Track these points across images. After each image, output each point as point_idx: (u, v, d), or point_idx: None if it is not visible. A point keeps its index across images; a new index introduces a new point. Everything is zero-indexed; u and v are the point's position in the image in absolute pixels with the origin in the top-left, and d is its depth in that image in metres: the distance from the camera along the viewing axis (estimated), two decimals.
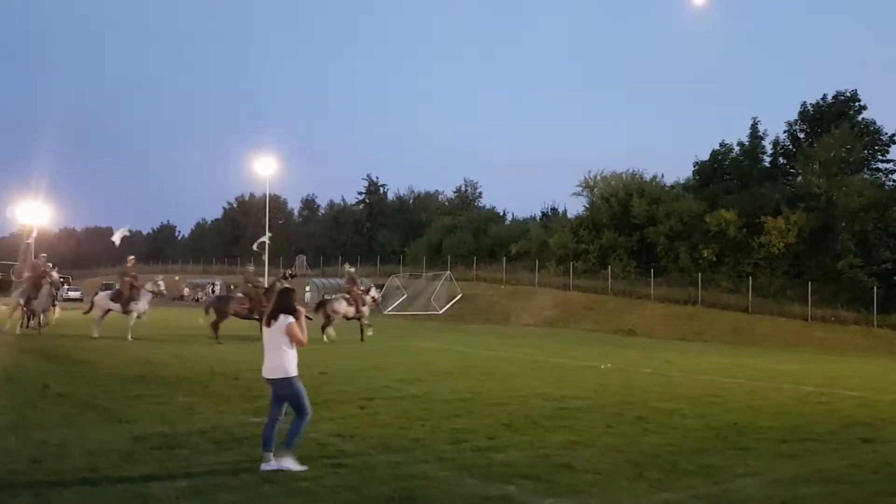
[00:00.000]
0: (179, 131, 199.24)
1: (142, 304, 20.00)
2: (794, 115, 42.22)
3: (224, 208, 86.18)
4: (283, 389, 6.19)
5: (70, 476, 5.70)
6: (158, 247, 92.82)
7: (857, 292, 32.01)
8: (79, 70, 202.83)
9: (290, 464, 5.98)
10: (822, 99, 41.09)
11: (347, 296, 21.69)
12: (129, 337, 18.74)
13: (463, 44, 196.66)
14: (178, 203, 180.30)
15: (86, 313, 21.19)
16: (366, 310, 21.91)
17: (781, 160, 42.74)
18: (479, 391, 11.07)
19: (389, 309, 41.98)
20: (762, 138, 42.97)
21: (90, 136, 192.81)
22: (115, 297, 20.12)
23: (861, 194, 34.12)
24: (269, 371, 6.22)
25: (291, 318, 6.21)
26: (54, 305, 22.28)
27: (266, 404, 9.11)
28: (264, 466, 5.98)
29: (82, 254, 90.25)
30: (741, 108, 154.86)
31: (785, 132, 42.47)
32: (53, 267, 22.13)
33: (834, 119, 39.47)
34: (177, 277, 68.54)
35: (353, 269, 24.83)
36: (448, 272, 46.58)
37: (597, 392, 11.45)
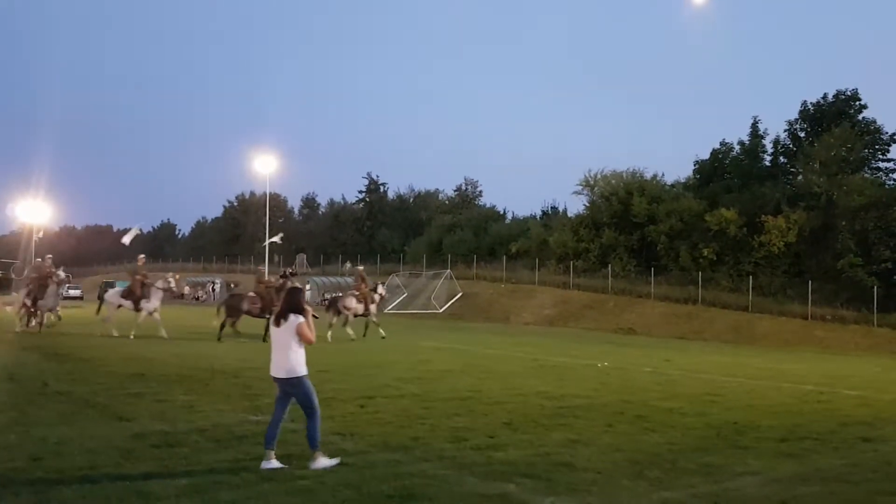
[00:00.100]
0: (180, 130, 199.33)
1: (153, 302, 19.95)
2: (794, 114, 42.31)
3: (224, 207, 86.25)
4: (293, 388, 6.22)
5: (70, 474, 5.70)
6: (158, 245, 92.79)
7: (857, 291, 32.01)
8: (79, 69, 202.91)
9: (324, 462, 6.03)
10: (823, 98, 41.10)
11: (357, 293, 22.04)
12: (163, 333, 19.03)
13: (463, 43, 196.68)
14: (179, 201, 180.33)
15: (98, 313, 20.91)
16: (374, 308, 22.37)
17: (782, 159, 42.75)
18: (479, 390, 11.07)
19: (389, 307, 41.98)
20: (763, 137, 43.00)
21: (90, 134, 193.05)
22: (127, 295, 20.05)
23: (861, 193, 34.12)
24: (279, 370, 6.23)
25: (302, 318, 6.24)
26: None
27: (266, 402, 9.14)
28: (265, 465, 5.98)
29: (82, 252, 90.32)
30: (741, 107, 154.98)
31: (785, 131, 42.51)
32: (59, 267, 22.11)
33: (834, 118, 39.46)
34: (177, 276, 68.47)
35: (361, 268, 25.32)
36: (448, 271, 46.60)
37: (597, 391, 11.45)
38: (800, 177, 40.22)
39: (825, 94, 41.07)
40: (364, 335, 21.18)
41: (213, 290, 64.24)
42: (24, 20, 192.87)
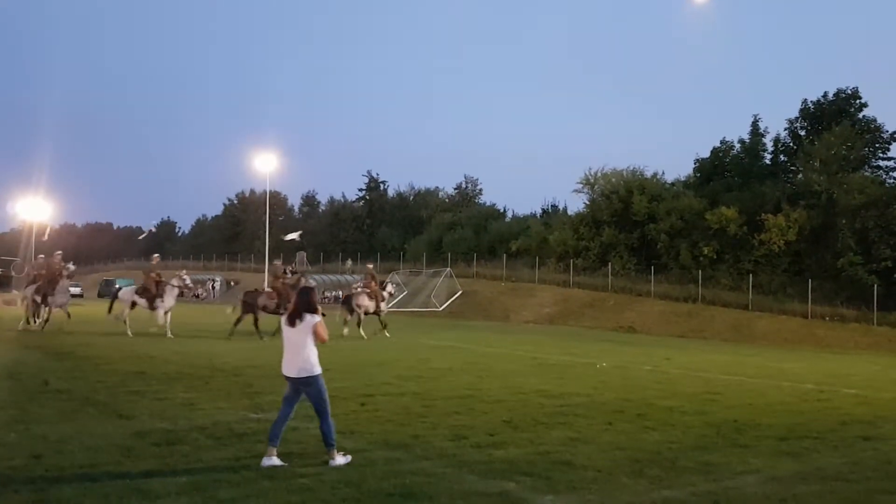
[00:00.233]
0: (180, 128, 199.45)
1: (168, 301, 19.86)
2: (794, 113, 42.29)
3: (224, 204, 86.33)
4: (308, 387, 6.25)
5: (70, 471, 5.71)
6: (159, 242, 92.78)
7: (857, 290, 32.01)
8: (80, 67, 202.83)
9: (339, 459, 6.07)
10: (823, 96, 41.08)
11: (368, 290, 22.24)
12: (169, 333, 18.93)
13: (463, 42, 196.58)
14: (179, 199, 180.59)
15: (110, 311, 20.58)
16: (384, 305, 22.76)
17: (782, 157, 42.75)
18: (479, 388, 11.07)
19: (390, 306, 41.94)
20: (763, 136, 43.00)
21: (91, 132, 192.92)
22: (142, 293, 19.88)
23: (862, 192, 34.11)
24: (294, 370, 6.25)
25: (318, 318, 6.27)
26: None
27: (266, 400, 9.17)
28: (265, 461, 5.99)
29: (82, 249, 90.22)
30: (742, 105, 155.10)
31: (786, 129, 42.50)
32: (68, 262, 22.02)
33: (835, 116, 39.45)
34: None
35: (371, 266, 25.59)
36: (448, 269, 46.60)
37: (596, 389, 11.45)
38: (800, 175, 40.23)
39: (825, 92, 41.13)
40: (383, 329, 21.76)
41: (213, 287, 64.25)
42: (24, 17, 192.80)
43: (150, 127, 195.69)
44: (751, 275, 34.79)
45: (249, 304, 19.97)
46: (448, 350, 18.31)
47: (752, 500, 5.57)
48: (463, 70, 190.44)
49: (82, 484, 5.38)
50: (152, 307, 19.75)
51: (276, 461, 5.99)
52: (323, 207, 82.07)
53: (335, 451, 6.15)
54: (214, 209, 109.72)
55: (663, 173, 47.24)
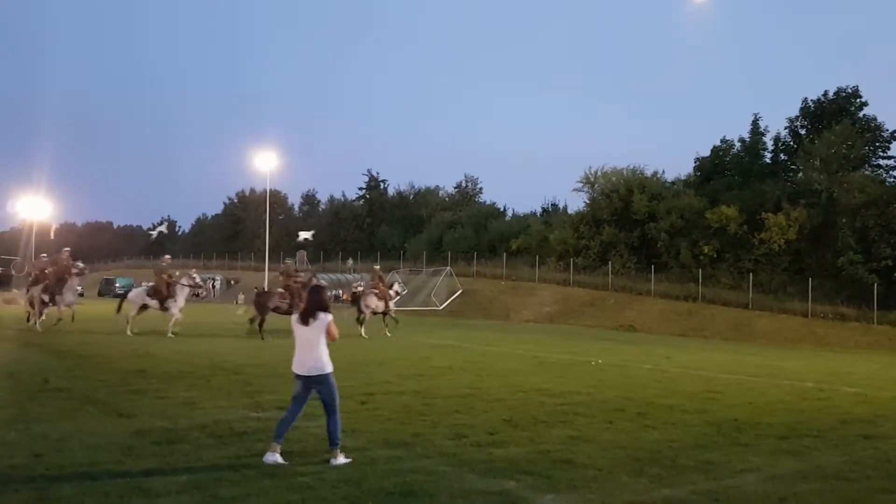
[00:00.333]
0: (180, 126, 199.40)
1: (180, 301, 19.78)
2: (795, 112, 42.34)
3: (224, 203, 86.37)
4: (319, 385, 6.30)
5: (70, 470, 5.70)
6: (158, 241, 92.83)
7: (857, 289, 32.02)
8: (80, 66, 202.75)
9: (341, 459, 6.08)
10: (824, 95, 41.09)
11: (377, 291, 22.38)
12: (170, 333, 18.78)
13: (464, 42, 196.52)
14: (179, 198, 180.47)
15: (119, 311, 20.20)
16: (392, 305, 23.02)
17: (782, 156, 42.76)
18: (480, 387, 11.07)
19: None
20: (763, 134, 43.02)
21: (91, 131, 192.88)
22: (153, 294, 19.76)
23: (862, 191, 34.12)
24: (306, 368, 6.28)
25: (330, 316, 6.33)
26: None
27: (267, 399, 9.17)
28: (267, 458, 5.99)
29: (82, 249, 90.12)
30: (742, 104, 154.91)
31: (786, 128, 42.53)
32: (76, 261, 21.93)
33: (835, 115, 39.46)
34: (177, 273, 68.53)
35: (377, 266, 25.82)
36: (448, 268, 46.60)
37: (597, 388, 11.45)
38: (800, 174, 40.22)
39: (826, 91, 41.18)
40: (390, 324, 22.17)
41: (213, 286, 64.24)
42: (24, 16, 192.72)
43: (150, 127, 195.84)
44: (751, 274, 34.80)
45: (262, 306, 19.90)
46: (448, 349, 18.30)
47: (753, 498, 5.57)
48: (463, 70, 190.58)
49: (83, 482, 5.37)
50: (164, 308, 19.62)
51: (278, 458, 6.00)
52: (323, 206, 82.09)
53: (338, 451, 6.14)
54: (215, 208, 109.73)
55: (663, 172, 47.43)
